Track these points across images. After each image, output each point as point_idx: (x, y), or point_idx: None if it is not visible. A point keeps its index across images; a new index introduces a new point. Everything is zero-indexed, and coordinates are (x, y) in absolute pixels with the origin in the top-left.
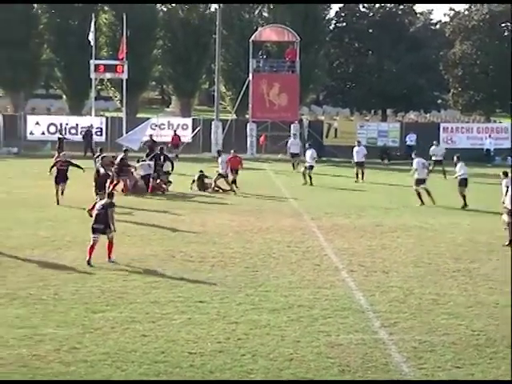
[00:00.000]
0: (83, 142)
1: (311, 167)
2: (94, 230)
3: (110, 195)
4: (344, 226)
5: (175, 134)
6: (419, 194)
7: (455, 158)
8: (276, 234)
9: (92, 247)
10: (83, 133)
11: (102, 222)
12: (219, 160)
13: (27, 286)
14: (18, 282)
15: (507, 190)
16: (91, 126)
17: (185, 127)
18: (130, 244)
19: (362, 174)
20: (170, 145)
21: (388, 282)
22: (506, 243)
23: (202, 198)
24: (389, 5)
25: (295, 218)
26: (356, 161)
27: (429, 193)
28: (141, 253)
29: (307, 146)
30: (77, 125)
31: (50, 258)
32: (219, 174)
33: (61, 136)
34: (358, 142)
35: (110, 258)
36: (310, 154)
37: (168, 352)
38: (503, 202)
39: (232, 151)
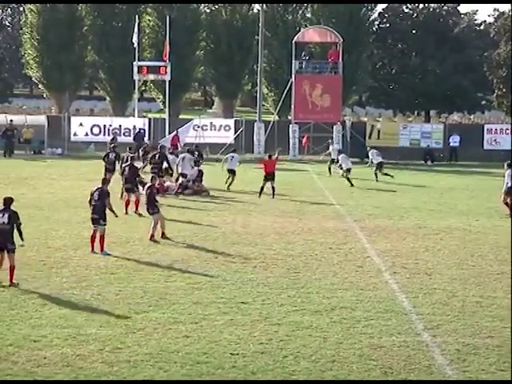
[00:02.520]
0: (134, 144)
1: (348, 170)
2: (93, 221)
3: (104, 182)
4: (387, 228)
5: (176, 135)
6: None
7: (505, 166)
8: (318, 235)
9: (92, 237)
10: (134, 134)
11: (97, 213)
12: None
13: (71, 286)
14: (61, 283)
15: None
16: (143, 128)
17: (227, 128)
18: (172, 245)
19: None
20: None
21: (431, 283)
22: None
23: (244, 199)
24: (432, 5)
25: (337, 219)
26: (376, 162)
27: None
28: (183, 253)
29: (338, 149)
30: (120, 126)
31: (93, 259)
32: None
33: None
34: (371, 147)
35: (102, 250)
36: (342, 157)
37: (210, 353)
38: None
39: (268, 155)
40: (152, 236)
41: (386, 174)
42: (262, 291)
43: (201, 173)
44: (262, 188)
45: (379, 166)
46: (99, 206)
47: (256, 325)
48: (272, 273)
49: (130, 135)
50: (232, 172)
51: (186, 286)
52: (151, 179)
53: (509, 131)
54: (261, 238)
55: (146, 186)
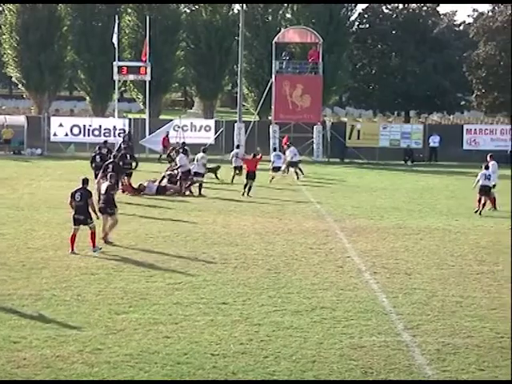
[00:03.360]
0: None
1: (295, 163)
2: (75, 221)
3: (84, 182)
4: (367, 228)
5: (166, 136)
6: (494, 200)
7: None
8: (299, 235)
9: (72, 237)
10: (125, 136)
11: (82, 213)
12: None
13: (51, 287)
14: (41, 284)
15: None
16: (130, 130)
17: (207, 129)
18: (152, 245)
19: (296, 173)
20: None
21: (411, 283)
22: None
23: (224, 199)
24: (412, 6)
25: (318, 219)
26: (292, 160)
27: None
28: (164, 254)
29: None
30: (100, 126)
31: (73, 260)
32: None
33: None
34: (290, 143)
35: (94, 247)
36: (289, 151)
37: (191, 353)
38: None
39: (253, 154)
40: (106, 235)
41: (298, 172)
42: (243, 291)
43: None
44: (246, 185)
45: (294, 164)
46: (83, 207)
47: (236, 325)
48: (253, 273)
49: (110, 135)
50: (239, 168)
51: (166, 287)
52: (110, 177)
53: (488, 131)
54: (241, 238)
55: (104, 185)
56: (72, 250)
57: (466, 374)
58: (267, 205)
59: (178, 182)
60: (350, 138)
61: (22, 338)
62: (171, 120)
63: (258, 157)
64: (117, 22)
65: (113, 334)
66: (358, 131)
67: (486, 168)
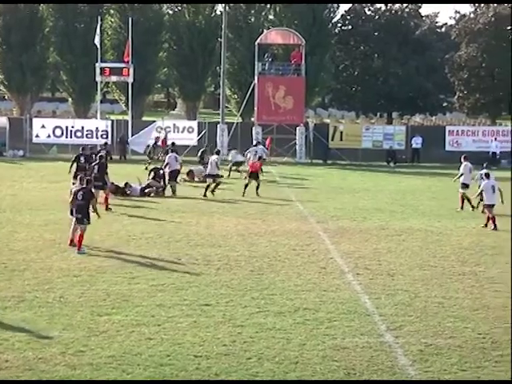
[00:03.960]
0: (118, 147)
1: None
2: (76, 220)
3: (88, 182)
4: (350, 229)
5: (164, 138)
6: (464, 199)
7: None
8: (282, 237)
9: (80, 236)
10: (118, 139)
11: (80, 212)
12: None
13: (33, 288)
14: (23, 285)
15: (482, 191)
16: (124, 133)
17: (190, 130)
18: (135, 247)
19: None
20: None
21: (394, 285)
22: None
23: (207, 201)
24: (394, 8)
25: (301, 221)
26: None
27: (468, 200)
28: (146, 256)
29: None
30: (82, 127)
31: (55, 261)
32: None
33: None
34: (258, 142)
35: (79, 249)
36: (232, 153)
37: (173, 355)
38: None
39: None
40: (72, 241)
41: (238, 171)
42: (226, 293)
43: (178, 172)
44: (246, 186)
45: (237, 164)
46: (83, 206)
47: (219, 326)
48: (235, 274)
49: (92, 137)
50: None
51: (149, 288)
52: (86, 182)
53: (470, 133)
54: (224, 239)
55: (75, 189)
56: (79, 248)
57: (448, 374)
58: (250, 206)
59: (162, 181)
60: (332, 140)
61: (4, 340)
62: (154, 121)
63: (262, 159)
64: (99, 23)
65: (95, 335)
66: (341, 132)
67: (487, 168)
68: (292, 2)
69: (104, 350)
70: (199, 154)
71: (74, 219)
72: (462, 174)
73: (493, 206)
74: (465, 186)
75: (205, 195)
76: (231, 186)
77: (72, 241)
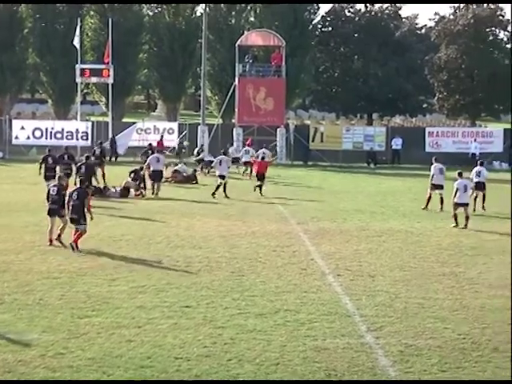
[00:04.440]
0: (109, 150)
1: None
2: (72, 221)
3: (83, 182)
4: (330, 231)
5: (161, 139)
6: (429, 198)
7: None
8: (262, 238)
9: (78, 235)
10: (109, 141)
11: (77, 213)
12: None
13: (12, 291)
14: (3, 287)
15: (457, 190)
16: (114, 135)
17: (171, 131)
18: (116, 248)
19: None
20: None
21: (374, 286)
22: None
23: (187, 202)
24: (374, 9)
25: (281, 222)
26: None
27: (442, 200)
28: (127, 257)
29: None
30: (62, 129)
31: (35, 263)
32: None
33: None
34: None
35: (77, 248)
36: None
37: (154, 357)
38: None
39: (261, 157)
40: (51, 240)
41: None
42: (207, 294)
43: (161, 173)
44: (259, 186)
45: (206, 165)
46: (78, 206)
47: (200, 328)
48: (216, 276)
49: (72, 138)
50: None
51: (129, 290)
52: (59, 179)
53: (450, 134)
54: (205, 241)
55: (50, 187)
56: (77, 248)
57: (428, 374)
58: (231, 207)
59: (142, 182)
60: (313, 141)
61: None
62: (134, 123)
63: (268, 160)
64: (79, 24)
65: (75, 338)
66: (322, 134)
67: (481, 164)
68: (273, 2)
69: (84, 352)
70: (196, 153)
71: (68, 220)
72: (433, 175)
73: (464, 204)
74: (435, 186)
75: (213, 195)
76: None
77: (51, 240)
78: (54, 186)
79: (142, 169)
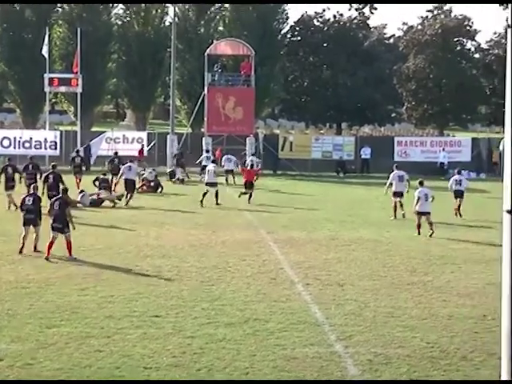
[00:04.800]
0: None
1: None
2: (53, 229)
3: (64, 191)
4: (300, 240)
5: (141, 149)
6: (395, 207)
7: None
8: (232, 247)
9: (51, 244)
10: (84, 147)
11: (60, 222)
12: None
13: None
14: None
15: (418, 198)
16: (89, 142)
17: (140, 141)
18: (85, 258)
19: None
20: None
21: (343, 295)
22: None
23: (157, 211)
24: (343, 19)
25: (251, 231)
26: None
27: (401, 206)
28: (96, 267)
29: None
30: (31, 138)
31: (3, 273)
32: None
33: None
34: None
35: (70, 255)
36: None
37: (123, 367)
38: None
39: (250, 165)
40: (35, 247)
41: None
42: (176, 304)
43: (133, 182)
44: (245, 193)
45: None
46: (61, 215)
47: (169, 338)
48: (186, 285)
49: (41, 148)
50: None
51: (98, 300)
52: (33, 188)
53: (418, 143)
54: (175, 250)
55: (26, 197)
56: (48, 255)
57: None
58: (200, 217)
59: (112, 192)
60: (282, 150)
61: None
62: (103, 132)
63: (256, 169)
64: (47, 33)
65: (44, 348)
66: (291, 143)
67: (459, 173)
68: (259, 2)
69: (53, 362)
70: (174, 159)
71: (52, 229)
72: (390, 183)
73: (426, 213)
74: (396, 194)
75: (201, 202)
76: (180, 196)
77: (23, 249)
78: (30, 195)
79: (105, 174)
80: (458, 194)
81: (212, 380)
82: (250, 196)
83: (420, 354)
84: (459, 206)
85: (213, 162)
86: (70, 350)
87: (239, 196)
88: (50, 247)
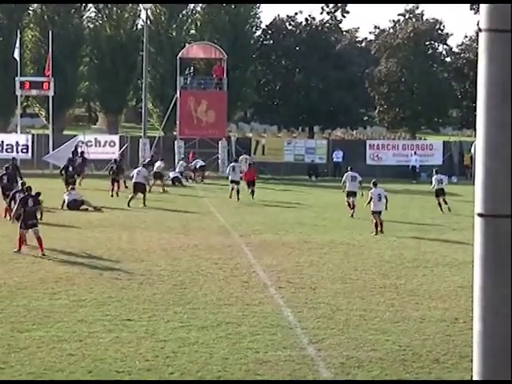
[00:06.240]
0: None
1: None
2: (26, 226)
3: (29, 189)
4: (272, 243)
5: (121, 152)
6: (350, 205)
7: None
8: (204, 251)
9: (21, 239)
10: (72, 150)
11: (34, 218)
12: None
13: None
14: None
15: (371, 198)
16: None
17: (112, 144)
18: (56, 262)
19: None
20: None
21: (316, 298)
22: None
23: (129, 215)
24: (315, 22)
25: (223, 235)
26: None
27: (353, 206)
28: (68, 271)
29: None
30: (2, 142)
31: None
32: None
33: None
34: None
35: (42, 251)
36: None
37: (95, 371)
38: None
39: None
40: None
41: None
42: (148, 308)
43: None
44: (251, 192)
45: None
46: (34, 212)
47: (142, 342)
48: (158, 289)
49: (12, 151)
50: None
51: (70, 304)
52: (29, 189)
53: (390, 147)
54: (147, 254)
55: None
56: (19, 249)
57: None
58: (172, 220)
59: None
60: (255, 154)
61: None
62: (75, 135)
63: (252, 169)
64: (18, 36)
65: (15, 352)
66: (263, 146)
67: (437, 173)
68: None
69: (24, 366)
70: (146, 161)
71: (24, 226)
72: (344, 183)
73: (379, 212)
74: (349, 193)
75: (230, 196)
76: (152, 201)
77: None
78: (31, 197)
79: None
80: (441, 193)
81: (212, 380)
82: (253, 192)
83: (392, 357)
84: (445, 202)
85: (235, 160)
86: (42, 354)
87: (238, 199)
88: (21, 241)
